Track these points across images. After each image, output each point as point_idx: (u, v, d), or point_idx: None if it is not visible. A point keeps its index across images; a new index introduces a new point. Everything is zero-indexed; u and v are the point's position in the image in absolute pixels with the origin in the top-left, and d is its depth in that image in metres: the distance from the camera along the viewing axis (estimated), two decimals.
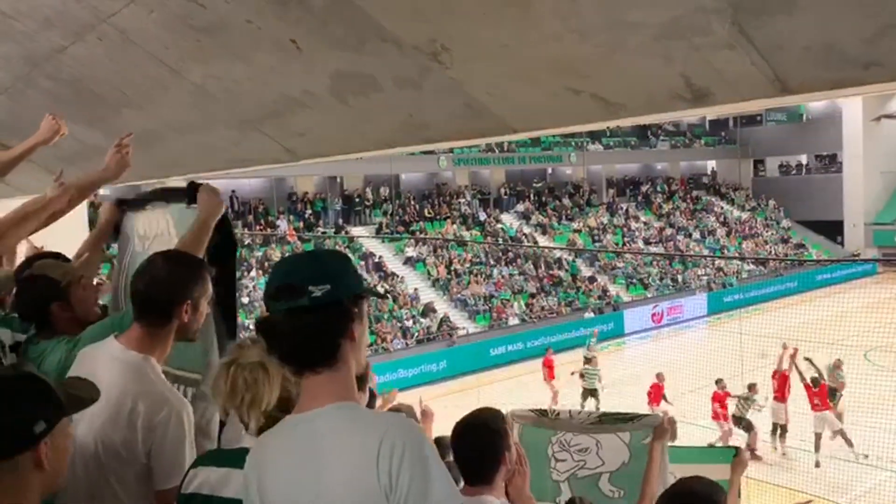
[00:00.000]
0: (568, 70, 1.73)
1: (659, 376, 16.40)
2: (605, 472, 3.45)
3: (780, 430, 14.61)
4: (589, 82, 1.75)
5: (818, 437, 13.73)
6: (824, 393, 13.93)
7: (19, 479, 1.45)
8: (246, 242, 25.28)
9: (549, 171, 37.16)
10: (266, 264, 24.53)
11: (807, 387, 14.04)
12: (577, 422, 3.61)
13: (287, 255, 1.78)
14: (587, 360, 18.19)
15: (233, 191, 27.23)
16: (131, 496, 2.08)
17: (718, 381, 14.89)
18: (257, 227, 26.48)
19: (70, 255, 3.09)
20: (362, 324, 1.64)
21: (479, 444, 2.31)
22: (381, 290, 22.95)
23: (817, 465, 13.34)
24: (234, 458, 1.86)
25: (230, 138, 3.35)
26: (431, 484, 1.45)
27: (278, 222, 27.87)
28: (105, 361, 2.16)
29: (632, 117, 1.84)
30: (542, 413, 3.81)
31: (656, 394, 16.20)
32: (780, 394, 14.55)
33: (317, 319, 1.56)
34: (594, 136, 37.24)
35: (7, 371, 1.55)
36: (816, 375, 14.15)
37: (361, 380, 2.23)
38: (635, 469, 3.31)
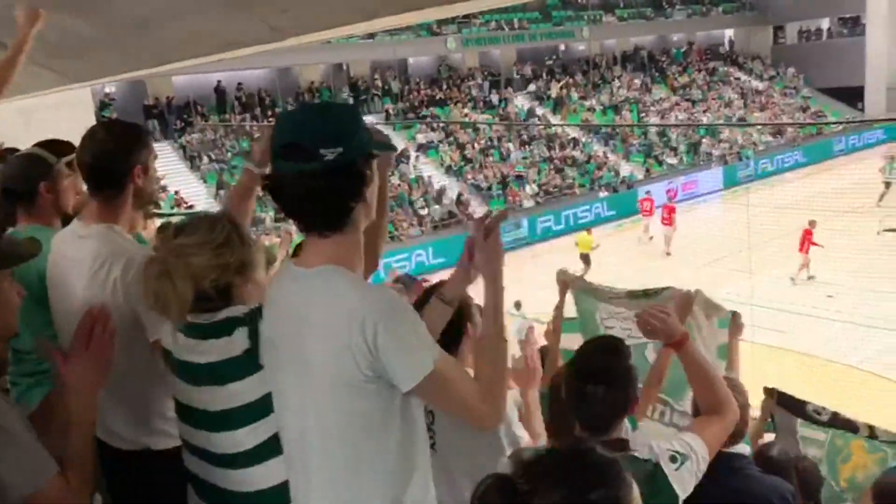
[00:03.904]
0: None
1: (811, 223, 16.74)
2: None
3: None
4: None
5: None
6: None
7: None
8: (256, 136, 25.13)
9: (562, 47, 36.02)
10: None
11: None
12: (613, 295, 3.53)
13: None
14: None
15: (239, 83, 26.86)
16: (132, 349, 2.08)
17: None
18: (264, 120, 26.20)
19: None
20: (374, 181, 1.56)
21: None
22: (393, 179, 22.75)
23: None
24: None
25: (220, 20, 3.28)
26: (409, 346, 1.47)
27: None
28: (72, 241, 2.22)
29: None
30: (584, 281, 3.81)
31: (806, 239, 16.67)
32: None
33: (328, 184, 1.47)
34: (608, 7, 35.88)
35: None
36: None
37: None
38: None
